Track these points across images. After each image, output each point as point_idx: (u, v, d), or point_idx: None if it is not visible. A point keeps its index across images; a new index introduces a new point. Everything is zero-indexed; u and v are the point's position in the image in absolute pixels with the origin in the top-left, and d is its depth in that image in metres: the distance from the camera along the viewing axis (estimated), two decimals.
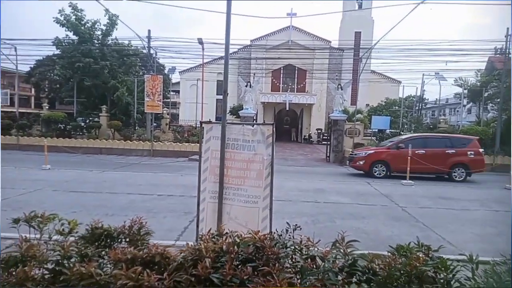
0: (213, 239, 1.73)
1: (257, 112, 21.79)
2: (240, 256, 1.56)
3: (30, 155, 16.73)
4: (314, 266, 1.55)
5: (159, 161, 16.51)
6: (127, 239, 1.94)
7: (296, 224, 2.07)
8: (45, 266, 1.55)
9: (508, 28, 18.11)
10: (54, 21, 22.90)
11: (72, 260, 1.54)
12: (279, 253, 1.56)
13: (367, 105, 33.90)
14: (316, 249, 1.73)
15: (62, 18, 23.01)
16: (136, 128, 22.87)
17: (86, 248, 1.65)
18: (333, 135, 18.67)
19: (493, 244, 5.95)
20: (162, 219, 6.90)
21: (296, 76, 34.50)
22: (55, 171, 12.32)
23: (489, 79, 25.10)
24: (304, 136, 33.31)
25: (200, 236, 1.98)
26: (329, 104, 29.97)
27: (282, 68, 34.10)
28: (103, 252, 1.69)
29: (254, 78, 23.49)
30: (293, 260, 1.64)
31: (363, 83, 29.34)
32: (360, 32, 34.45)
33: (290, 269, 1.55)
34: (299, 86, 34.35)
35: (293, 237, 1.87)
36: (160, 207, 7.86)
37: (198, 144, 4.47)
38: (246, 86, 19.91)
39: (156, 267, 1.53)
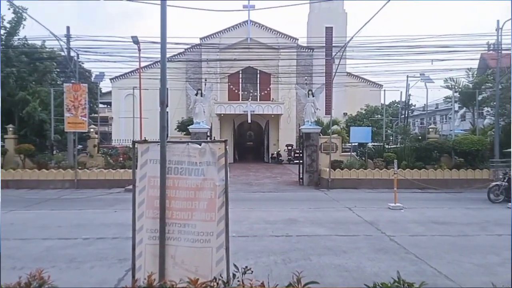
0: None
1: (211, 127, 21.77)
2: None
3: None
4: None
5: (85, 194, 15.93)
6: None
7: (246, 267, 2.05)
8: None
9: (498, 21, 19.60)
10: None
11: None
12: None
13: (345, 114, 35.00)
14: None
15: None
16: (54, 152, 21.99)
17: None
18: (306, 152, 19.01)
19: (496, 275, 6.25)
20: (88, 270, 6.64)
21: (258, 81, 35.01)
22: None
23: (482, 79, 26.88)
24: (272, 154, 33.62)
25: None
26: (300, 114, 30.59)
27: (240, 72, 34.52)
28: None
29: (206, 84, 23.54)
30: None
31: (338, 87, 30.32)
32: (332, 27, 35.85)
33: None
34: (262, 93, 34.85)
35: (242, 282, 1.85)
36: (87, 254, 7.56)
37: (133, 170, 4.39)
38: (197, 94, 19.91)
39: None
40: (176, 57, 33.23)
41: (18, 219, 10.98)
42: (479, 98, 25.51)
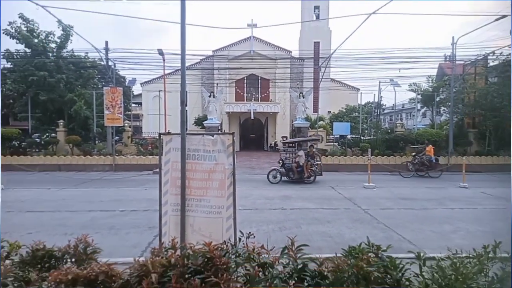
0: (165, 253, 1.68)
1: (222, 122, 21.70)
2: (190, 268, 1.52)
3: None
4: (265, 274, 1.54)
5: (121, 176, 15.96)
6: (73, 259, 1.83)
7: (250, 232, 2.05)
8: None
9: (453, 37, 19.40)
10: (3, 33, 21.70)
11: (10, 287, 1.42)
12: (228, 262, 1.53)
13: (329, 112, 34.83)
14: (268, 256, 1.72)
15: (13, 30, 21.87)
16: (96, 142, 22.01)
17: (26, 272, 1.54)
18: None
19: (450, 240, 6.25)
20: (125, 236, 6.66)
21: (259, 86, 34.82)
22: (10, 191, 11.54)
23: (440, 84, 26.72)
24: (270, 144, 33.57)
25: (151, 250, 1.91)
26: (293, 112, 30.42)
27: (245, 78, 34.32)
28: (45, 275, 1.58)
29: (217, 88, 23.44)
30: (245, 269, 1.62)
31: (323, 91, 30.16)
32: (319, 42, 35.52)
33: (243, 278, 1.53)
34: (263, 95, 34.68)
35: (246, 245, 1.86)
36: (123, 223, 7.58)
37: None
38: (210, 96, 19.84)
39: (101, 286, 1.46)
40: (193, 66, 33.03)
41: (68, 195, 11.02)
42: (437, 99, 25.37)
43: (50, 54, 23.28)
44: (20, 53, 23.08)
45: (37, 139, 21.34)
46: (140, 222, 7.66)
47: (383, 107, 38.97)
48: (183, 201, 4.12)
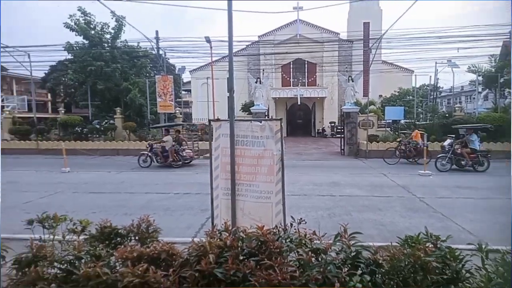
0: (219, 235, 1.75)
1: (268, 108, 21.74)
2: (244, 251, 1.57)
3: (50, 158, 17.15)
4: (318, 259, 1.55)
5: None
6: (137, 237, 1.98)
7: (301, 218, 2.06)
8: (58, 265, 1.60)
9: None
10: (64, 26, 23.31)
11: (83, 260, 1.58)
12: (281, 247, 1.57)
13: (380, 96, 33.39)
14: (320, 242, 1.72)
15: (72, 23, 23.41)
16: (150, 128, 23.14)
17: (96, 248, 1.70)
18: (347, 128, 18.47)
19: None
20: (179, 217, 7.00)
21: (306, 70, 34.22)
22: (74, 174, 12.61)
23: (504, 64, 24.36)
24: (318, 130, 33.09)
25: (207, 232, 2.00)
26: (341, 96, 29.64)
27: (291, 63, 33.88)
28: (112, 251, 1.73)
29: (263, 74, 23.42)
30: (297, 254, 1.64)
31: (374, 74, 28.87)
32: (369, 22, 33.85)
33: (296, 263, 1.56)
34: (309, 80, 34.08)
35: (298, 231, 1.87)
36: (177, 205, 7.96)
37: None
38: (256, 82, 19.88)
39: (163, 264, 1.56)
40: (239, 52, 33.19)
41: (127, 178, 11.77)
42: (501, 80, 23.22)
43: (106, 45, 24.64)
44: (79, 45, 24.69)
45: (97, 126, 22.91)
46: (192, 204, 7.99)
47: (440, 89, 36.55)
48: (233, 185, 4.22)
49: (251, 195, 4.27)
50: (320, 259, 1.55)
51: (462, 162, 13.01)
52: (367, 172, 12.79)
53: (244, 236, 1.66)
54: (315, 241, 1.69)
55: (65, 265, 1.58)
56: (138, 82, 24.45)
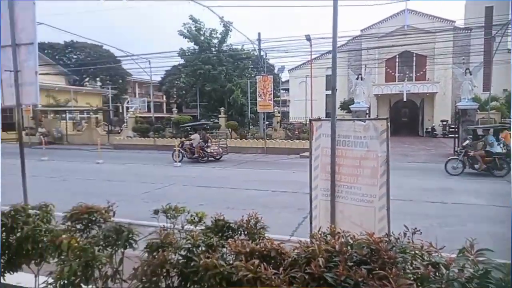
0: (325, 238, 1.74)
1: (369, 106, 20.71)
2: (353, 257, 1.54)
3: (164, 154, 19.25)
4: (437, 275, 1.42)
5: (272, 158, 17.13)
6: (246, 232, 2.11)
7: (416, 228, 1.91)
8: (179, 252, 1.80)
9: None
10: (178, 33, 25.93)
11: (200, 248, 1.76)
12: (396, 257, 1.48)
13: (505, 90, 28.83)
14: (439, 255, 1.57)
15: (185, 31, 25.87)
16: (250, 127, 24.14)
17: (211, 238, 1.86)
18: (462, 127, 16.48)
19: None
20: (277, 214, 7.16)
21: (414, 64, 31.53)
22: (184, 168, 13.94)
23: None
24: (427, 129, 30.22)
25: (312, 234, 2.01)
26: (456, 91, 26.53)
27: (397, 56, 31.58)
28: (225, 243, 1.87)
29: (365, 69, 22.39)
30: (413, 266, 1.53)
31: (498, 65, 25.02)
32: (492, 6, 29.46)
33: (411, 275, 1.45)
34: (418, 74, 31.31)
35: (412, 241, 1.74)
36: (275, 202, 8.17)
37: (309, 141, 4.50)
38: (357, 79, 19.12)
39: (272, 261, 1.63)
40: (340, 48, 32.25)
41: (229, 174, 12.55)
42: None
43: (213, 49, 26.59)
44: (190, 50, 27.16)
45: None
46: (290, 203, 8.10)
47: None
48: (333, 187, 4.14)
49: (351, 198, 4.13)
50: (440, 275, 1.42)
51: (476, 166, 11.60)
52: (488, 178, 11.20)
53: (353, 242, 1.63)
54: (433, 254, 1.55)
55: (185, 252, 1.78)
56: (240, 83, 25.81)
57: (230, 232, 2.11)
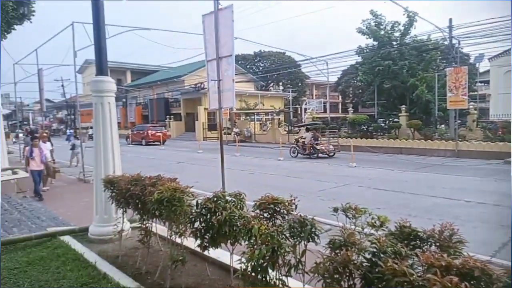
0: None
1: None
2: None
3: (340, 153, 19.35)
4: None
5: (465, 163, 14.75)
6: (437, 244, 1.86)
7: None
8: (363, 254, 1.75)
9: None
10: (356, 31, 25.55)
11: (386, 254, 1.65)
12: None
13: None
14: None
15: (364, 27, 25.27)
16: (438, 126, 21.50)
17: (396, 245, 1.73)
18: None
19: None
20: (471, 229, 6.13)
21: None
22: (360, 169, 13.61)
23: None
24: None
25: None
26: None
27: None
28: (413, 253, 1.70)
29: None
30: None
31: None
32: None
33: None
34: None
35: None
36: (469, 215, 7.01)
37: None
38: None
39: (473, 281, 1.37)
40: None
41: (410, 178, 11.49)
42: None
43: (394, 43, 24.95)
44: (369, 47, 26.31)
45: (381, 124, 23.68)
46: (488, 217, 6.81)
47: None
48: None
49: None
50: None
51: None
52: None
53: None
54: None
55: (369, 255, 1.71)
56: (425, 78, 23.29)
57: (417, 241, 1.91)
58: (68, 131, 35.61)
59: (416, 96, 22.37)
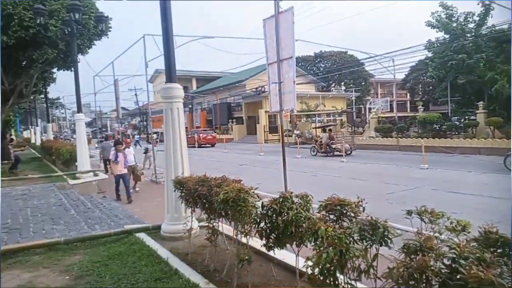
0: None
1: None
2: None
3: (408, 154, 18.23)
4: None
5: None
6: None
7: None
8: (441, 260, 1.62)
9: None
10: (425, 24, 23.94)
11: (468, 261, 1.51)
12: None
13: None
14: None
15: (433, 20, 23.60)
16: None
17: (482, 252, 1.57)
18: None
19: None
20: None
21: None
22: (433, 171, 12.68)
23: None
24: None
25: None
26: None
27: None
28: (501, 260, 1.53)
29: None
30: None
31: None
32: None
33: None
34: None
35: None
36: None
37: None
38: None
39: None
40: None
41: (491, 181, 10.49)
42: None
43: (468, 35, 22.94)
44: (440, 41, 24.48)
45: (456, 122, 21.87)
46: None
47: None
48: None
49: None
50: None
51: None
52: None
53: None
54: None
55: (449, 261, 1.58)
56: (507, 70, 21.00)
57: (506, 249, 1.71)
58: (136, 136, 38.60)
59: (495, 91, 20.22)
